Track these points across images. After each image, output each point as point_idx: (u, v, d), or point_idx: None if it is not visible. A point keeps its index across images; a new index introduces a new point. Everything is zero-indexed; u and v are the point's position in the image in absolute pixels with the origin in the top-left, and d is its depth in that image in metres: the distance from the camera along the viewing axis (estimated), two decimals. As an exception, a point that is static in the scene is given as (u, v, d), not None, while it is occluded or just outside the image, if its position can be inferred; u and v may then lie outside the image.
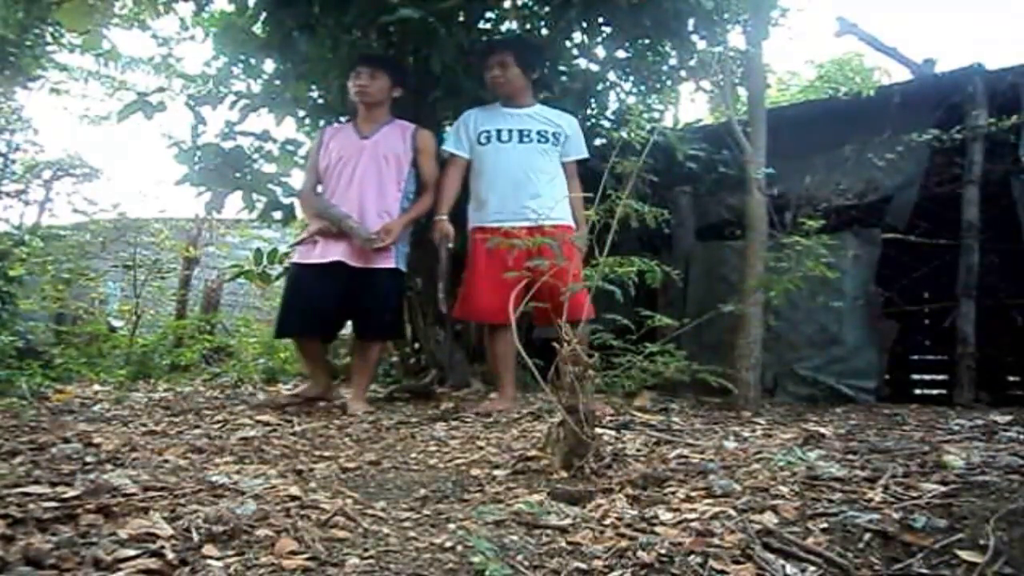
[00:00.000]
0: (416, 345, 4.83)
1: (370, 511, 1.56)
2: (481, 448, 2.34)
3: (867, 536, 1.33)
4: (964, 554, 1.25)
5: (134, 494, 1.52)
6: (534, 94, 3.56)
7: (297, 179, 4.36)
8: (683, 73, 4.59)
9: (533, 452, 2.08)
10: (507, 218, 3.14)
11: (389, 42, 4.14)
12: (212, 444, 2.27)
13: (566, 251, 2.53)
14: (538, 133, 3.35)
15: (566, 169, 3.41)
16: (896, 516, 1.39)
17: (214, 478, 1.72)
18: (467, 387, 4.17)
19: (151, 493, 1.54)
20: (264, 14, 4.13)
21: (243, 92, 4.39)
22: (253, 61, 4.45)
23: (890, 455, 1.88)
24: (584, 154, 3.45)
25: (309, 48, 3.98)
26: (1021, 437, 2.20)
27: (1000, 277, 4.49)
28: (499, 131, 3.36)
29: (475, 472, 2.00)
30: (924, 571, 1.23)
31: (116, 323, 7.36)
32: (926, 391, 5.31)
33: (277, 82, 4.39)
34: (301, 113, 4.48)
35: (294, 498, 1.56)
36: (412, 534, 1.41)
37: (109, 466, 1.85)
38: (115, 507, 1.41)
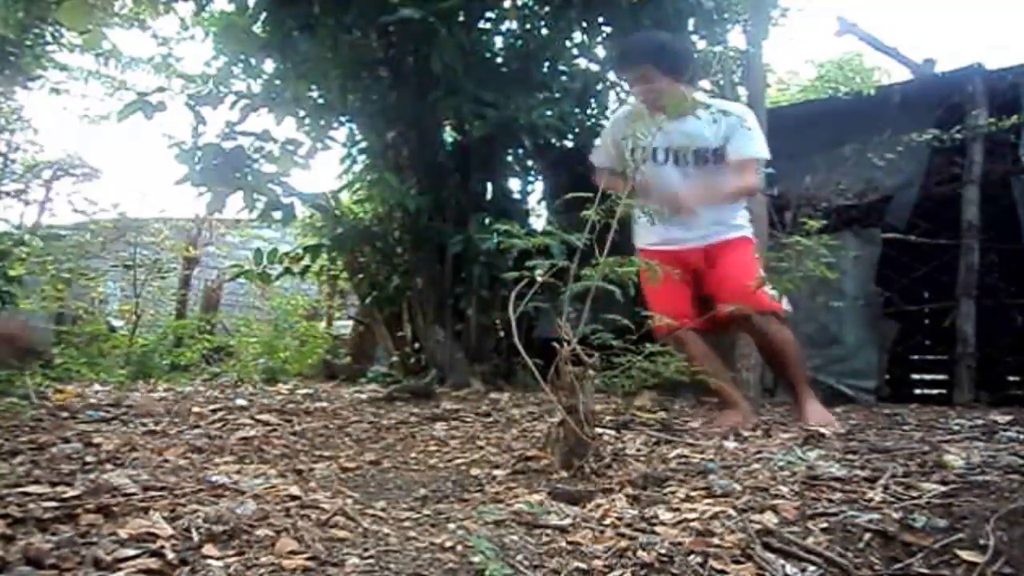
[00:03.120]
0: (416, 345, 4.83)
1: (370, 511, 1.56)
2: (481, 448, 2.34)
3: (867, 536, 1.33)
4: (964, 554, 1.25)
5: (134, 494, 1.52)
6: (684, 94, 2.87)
7: (297, 179, 4.37)
8: (683, 73, 4.59)
9: (533, 452, 2.09)
10: (674, 243, 2.88)
11: (389, 42, 4.14)
12: (212, 444, 2.27)
13: (736, 257, 2.64)
14: (694, 153, 2.86)
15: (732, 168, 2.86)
16: (896, 516, 1.39)
17: (214, 478, 1.72)
18: (467, 387, 4.18)
19: (151, 493, 1.54)
20: (264, 14, 4.14)
21: (243, 92, 4.40)
22: (253, 61, 4.46)
23: (890, 455, 1.88)
24: (750, 154, 2.84)
25: (309, 48, 3.98)
26: (1021, 437, 2.20)
27: (1000, 277, 4.50)
28: (655, 149, 2.85)
29: (475, 472, 2.00)
30: (924, 571, 1.23)
31: (116, 323, 7.37)
32: (926, 391, 5.31)
33: (277, 82, 4.39)
34: (301, 113, 4.48)
35: (294, 498, 1.56)
36: (412, 534, 1.41)
37: (109, 466, 1.85)
38: (115, 507, 1.41)
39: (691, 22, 4.25)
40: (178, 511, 1.41)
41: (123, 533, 1.27)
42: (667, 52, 2.96)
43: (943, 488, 1.53)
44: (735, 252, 2.82)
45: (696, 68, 3.13)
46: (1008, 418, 2.79)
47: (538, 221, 5.27)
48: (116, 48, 6.88)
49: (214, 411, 3.06)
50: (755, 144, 2.84)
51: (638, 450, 2.17)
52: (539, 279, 2.08)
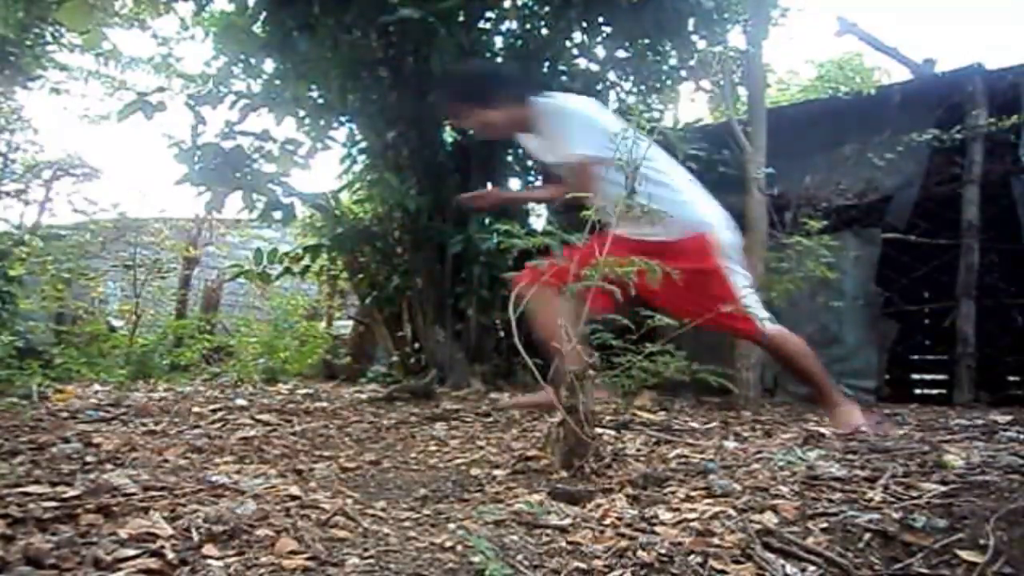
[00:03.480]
0: (416, 345, 4.83)
1: (370, 511, 1.56)
2: (481, 448, 2.34)
3: (867, 536, 1.33)
4: (964, 554, 1.25)
5: (134, 494, 1.52)
6: (520, 114, 2.61)
7: (297, 179, 4.38)
8: (683, 73, 4.60)
9: (533, 452, 2.09)
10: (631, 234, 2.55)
11: (389, 42, 4.14)
12: (212, 444, 2.27)
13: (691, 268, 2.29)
14: (556, 166, 2.63)
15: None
16: (896, 516, 1.39)
17: (214, 478, 1.72)
18: (467, 387, 4.18)
19: (151, 493, 1.54)
20: (264, 14, 4.14)
21: (243, 92, 4.40)
22: (253, 61, 4.46)
23: (890, 455, 1.88)
24: (563, 158, 2.51)
25: (309, 48, 3.98)
26: (1021, 437, 2.20)
27: (1000, 277, 4.50)
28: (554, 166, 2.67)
29: (475, 472, 2.00)
30: (924, 571, 1.23)
31: (116, 323, 7.37)
32: (926, 391, 5.31)
33: (277, 82, 4.40)
34: (301, 113, 4.48)
35: (294, 498, 1.56)
36: (412, 534, 1.41)
37: (109, 466, 1.85)
38: (115, 507, 1.41)
39: (691, 22, 4.26)
40: (178, 511, 1.41)
41: (123, 533, 1.27)
42: (454, 84, 2.91)
43: (943, 488, 1.53)
44: (689, 260, 2.38)
45: (510, 87, 2.69)
46: (1008, 418, 2.80)
47: (538, 221, 5.28)
48: (116, 48, 6.89)
49: (214, 411, 3.06)
50: (564, 145, 2.46)
51: (638, 450, 2.17)
52: (539, 279, 2.08)
